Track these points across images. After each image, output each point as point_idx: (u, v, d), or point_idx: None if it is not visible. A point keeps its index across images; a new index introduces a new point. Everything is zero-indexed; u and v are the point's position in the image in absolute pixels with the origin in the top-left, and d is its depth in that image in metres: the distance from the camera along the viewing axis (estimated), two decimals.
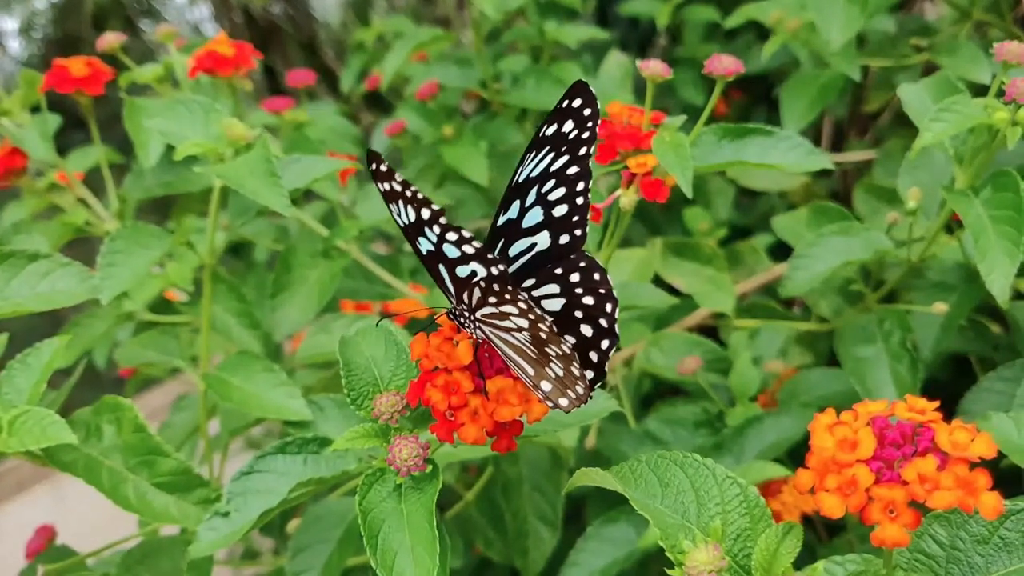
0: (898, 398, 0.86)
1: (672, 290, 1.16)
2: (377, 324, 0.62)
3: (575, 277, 0.56)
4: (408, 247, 1.66)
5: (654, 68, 0.75)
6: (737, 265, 1.31)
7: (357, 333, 0.63)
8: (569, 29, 1.41)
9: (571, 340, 0.55)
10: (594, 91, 0.56)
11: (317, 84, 2.41)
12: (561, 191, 0.57)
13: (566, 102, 0.56)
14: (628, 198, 0.77)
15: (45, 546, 0.90)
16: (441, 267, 0.54)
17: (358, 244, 1.06)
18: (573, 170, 0.57)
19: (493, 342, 0.53)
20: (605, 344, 0.55)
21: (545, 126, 0.57)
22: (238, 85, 1.19)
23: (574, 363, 0.52)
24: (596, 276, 0.55)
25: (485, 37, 1.38)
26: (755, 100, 1.75)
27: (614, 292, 0.55)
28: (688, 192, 0.73)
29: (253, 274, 1.33)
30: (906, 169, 0.90)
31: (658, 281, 1.14)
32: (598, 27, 1.67)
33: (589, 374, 0.55)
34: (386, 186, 0.51)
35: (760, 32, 1.62)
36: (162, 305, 1.08)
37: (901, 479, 0.41)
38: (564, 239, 0.57)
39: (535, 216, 0.57)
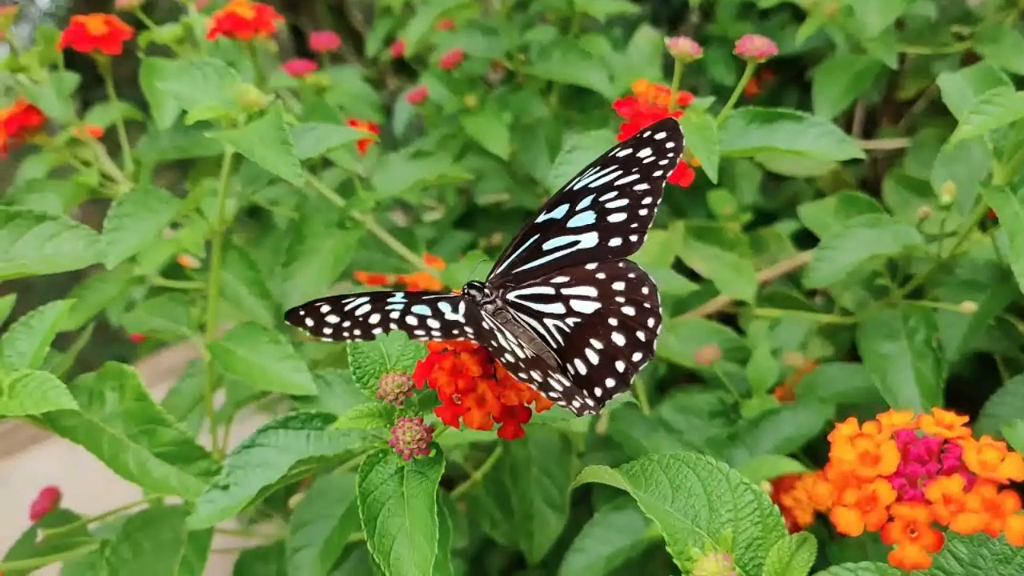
0: (920, 398, 0.84)
1: (692, 274, 1.14)
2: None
3: (619, 285, 0.54)
4: (426, 218, 1.65)
5: (683, 47, 0.72)
6: (760, 251, 1.29)
7: None
8: (598, 1, 1.37)
9: (599, 345, 0.53)
10: (683, 132, 0.55)
11: (344, 47, 2.38)
12: (623, 201, 0.56)
13: (648, 133, 0.56)
14: None
15: (49, 507, 0.89)
16: None
17: (374, 215, 1.04)
18: (642, 187, 0.56)
19: (501, 333, 0.51)
20: (637, 357, 0.53)
21: (619, 149, 0.56)
22: (261, 47, 1.18)
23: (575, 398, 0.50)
24: (644, 290, 0.54)
25: (513, 6, 1.35)
26: (787, 81, 1.71)
27: (660, 310, 0.53)
28: (713, 177, 0.71)
29: (270, 237, 1.31)
30: (941, 162, 0.87)
31: (679, 264, 1.12)
32: (629, 0, 1.63)
33: (611, 382, 0.53)
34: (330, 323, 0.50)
35: (795, 12, 1.58)
36: (176, 269, 1.07)
37: (924, 498, 0.39)
38: (616, 242, 0.56)
39: (585, 219, 0.57)
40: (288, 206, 1.25)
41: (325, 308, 0.50)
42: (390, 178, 1.07)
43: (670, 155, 0.55)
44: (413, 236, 1.11)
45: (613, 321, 0.53)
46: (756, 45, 0.71)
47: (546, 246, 0.57)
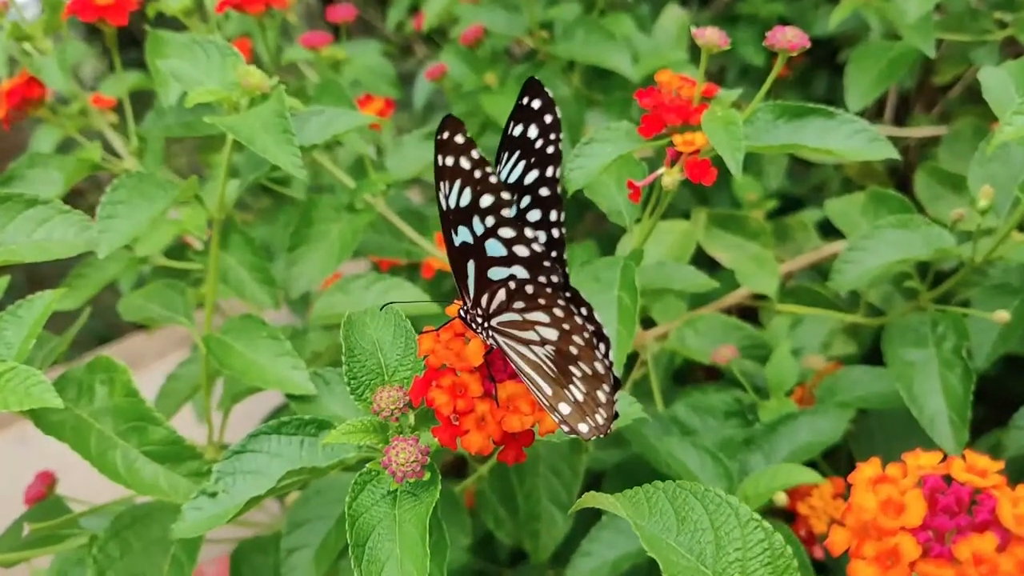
0: (947, 409, 0.80)
1: (712, 263, 1.10)
2: (382, 308, 0.57)
3: (558, 311, 0.48)
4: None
5: (710, 37, 0.68)
6: (785, 241, 1.25)
7: (365, 313, 0.58)
8: None
9: (579, 373, 0.48)
10: (551, 94, 0.49)
11: (373, 14, 2.34)
12: (537, 214, 0.50)
13: (525, 99, 0.49)
14: (671, 178, 0.71)
15: (45, 493, 0.88)
16: (471, 263, 0.48)
17: (386, 197, 1.01)
18: (544, 192, 0.50)
19: (507, 354, 0.48)
20: (608, 385, 0.48)
21: (512, 124, 0.50)
22: (278, 17, 1.14)
23: (604, 386, 0.46)
24: (583, 310, 0.48)
25: None
26: (818, 63, 1.66)
27: (604, 330, 0.48)
28: (737, 175, 0.67)
29: (283, 212, 1.29)
30: (978, 161, 0.82)
31: (699, 253, 1.08)
32: None
33: (602, 411, 0.49)
34: (448, 160, 0.45)
35: None
36: (182, 249, 1.05)
37: (952, 556, 0.35)
38: (542, 280, 0.48)
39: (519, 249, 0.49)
40: (300, 183, 1.22)
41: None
42: (403, 160, 1.04)
43: (552, 137, 0.49)
44: (425, 219, 1.08)
45: (574, 350, 0.48)
46: (787, 37, 0.66)
47: (490, 274, 0.49)
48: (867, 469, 0.40)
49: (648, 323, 1.08)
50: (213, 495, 0.59)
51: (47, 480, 0.87)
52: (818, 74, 1.67)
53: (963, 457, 0.40)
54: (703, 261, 1.15)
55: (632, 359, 1.03)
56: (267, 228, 1.29)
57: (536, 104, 0.49)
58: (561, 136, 0.49)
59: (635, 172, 0.79)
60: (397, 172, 1.01)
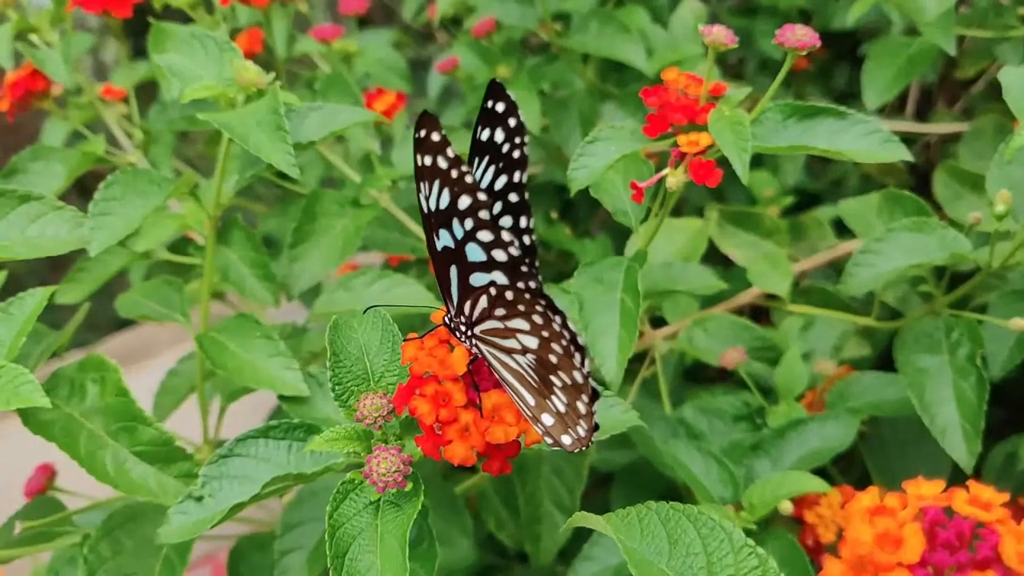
0: (959, 418, 0.78)
1: (725, 260, 1.08)
2: (365, 311, 0.55)
3: (538, 319, 0.47)
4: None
5: (716, 35, 0.66)
6: (800, 239, 1.23)
7: (353, 316, 0.56)
8: None
9: (559, 383, 0.47)
10: (513, 96, 0.48)
11: (393, 1, 2.32)
12: (509, 220, 0.49)
13: (490, 102, 0.48)
14: (675, 179, 0.69)
15: (44, 486, 0.87)
16: (453, 269, 0.47)
17: (392, 192, 0.99)
18: (514, 198, 0.49)
19: (491, 364, 0.46)
20: (586, 397, 0.47)
21: (479, 128, 0.49)
22: (291, 8, 1.13)
23: (583, 396, 0.45)
24: (557, 318, 0.46)
25: None
26: (839, 56, 1.63)
27: (580, 339, 0.46)
28: (744, 178, 0.65)
29: (293, 206, 1.28)
30: (997, 164, 0.80)
31: (714, 250, 1.06)
32: None
33: (584, 423, 0.47)
34: (427, 160, 0.44)
35: None
36: (186, 242, 1.04)
37: None
38: (520, 286, 0.48)
39: (497, 253, 0.48)
40: (313, 175, 1.21)
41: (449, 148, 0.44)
42: (409, 154, 1.02)
43: (517, 141, 0.48)
44: None
45: (553, 359, 0.47)
46: (797, 36, 0.64)
47: (472, 280, 0.49)
48: (864, 499, 0.38)
49: (658, 322, 1.06)
50: (199, 499, 0.58)
51: (47, 473, 0.87)
52: (839, 67, 1.63)
53: (967, 488, 0.38)
54: (717, 258, 1.13)
55: (641, 357, 1.02)
56: (278, 221, 1.28)
57: (500, 108, 0.48)
58: (527, 140, 0.49)
59: (642, 171, 0.77)
60: (403, 167, 1.00)
